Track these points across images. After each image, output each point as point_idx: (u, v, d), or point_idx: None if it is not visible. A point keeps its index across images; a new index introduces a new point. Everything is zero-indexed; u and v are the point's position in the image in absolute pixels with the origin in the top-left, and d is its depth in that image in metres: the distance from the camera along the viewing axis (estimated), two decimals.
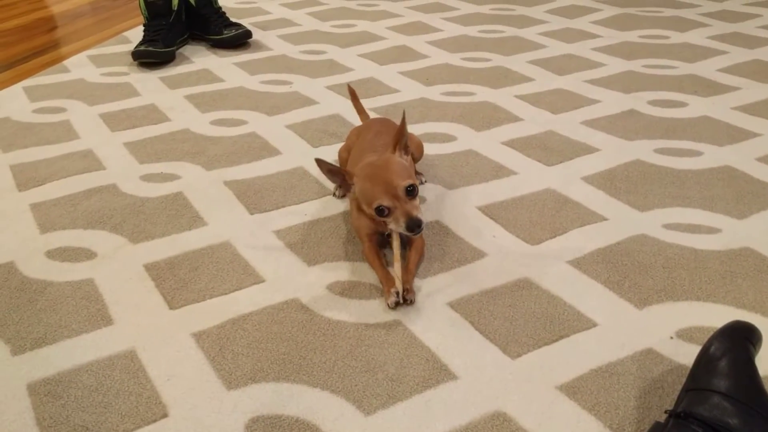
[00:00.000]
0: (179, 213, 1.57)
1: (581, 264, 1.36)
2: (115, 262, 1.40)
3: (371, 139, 1.55)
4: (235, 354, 1.15)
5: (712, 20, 2.89)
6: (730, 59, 2.44)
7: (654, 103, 2.10)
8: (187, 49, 2.72)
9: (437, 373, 1.10)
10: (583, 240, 1.43)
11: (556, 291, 1.28)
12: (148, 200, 1.63)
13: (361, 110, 1.79)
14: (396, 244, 1.30)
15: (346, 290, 1.30)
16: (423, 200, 1.58)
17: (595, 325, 1.20)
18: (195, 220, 1.54)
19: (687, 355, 1.10)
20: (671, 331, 1.17)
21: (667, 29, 2.79)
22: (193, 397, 1.06)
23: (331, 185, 1.67)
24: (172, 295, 1.30)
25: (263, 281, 1.33)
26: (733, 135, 1.87)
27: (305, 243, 1.45)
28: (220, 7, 2.81)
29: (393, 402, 1.05)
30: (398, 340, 1.17)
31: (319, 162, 1.29)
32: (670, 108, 2.06)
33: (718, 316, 1.20)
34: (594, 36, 2.75)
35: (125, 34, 2.94)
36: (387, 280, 1.29)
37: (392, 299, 1.24)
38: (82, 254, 1.43)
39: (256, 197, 1.63)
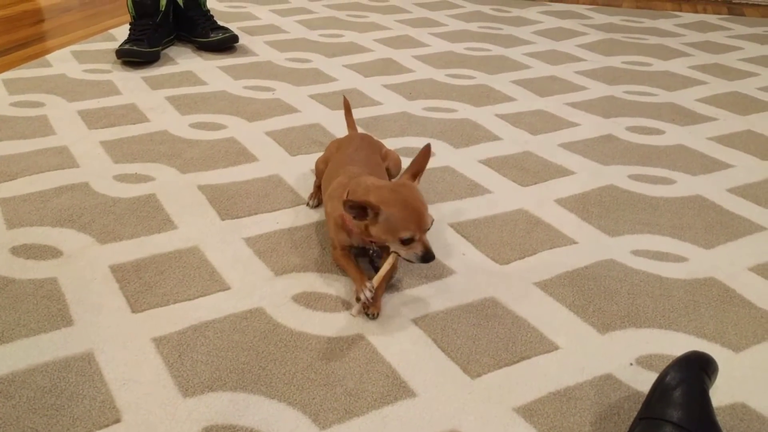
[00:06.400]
0: (150, 215, 1.56)
1: (548, 286, 1.36)
2: (81, 261, 1.39)
3: (351, 153, 1.55)
4: (194, 361, 1.14)
5: (695, 50, 2.93)
6: (709, 89, 2.47)
7: (632, 129, 2.12)
8: (173, 51, 2.71)
9: (396, 389, 1.10)
10: (552, 262, 1.44)
11: (521, 312, 1.29)
12: (119, 200, 1.61)
13: (351, 124, 1.78)
14: (385, 266, 1.29)
15: (311, 302, 1.30)
16: None
17: (556, 348, 1.20)
18: (165, 223, 1.53)
19: (645, 382, 1.11)
20: (631, 358, 1.18)
21: (650, 56, 2.82)
22: (148, 403, 1.05)
23: (305, 195, 1.67)
24: (135, 298, 1.29)
25: (228, 289, 1.32)
26: (707, 165, 1.90)
27: (275, 252, 1.45)
28: (208, 10, 2.81)
29: (349, 417, 1.05)
30: (359, 354, 1.17)
31: (344, 203, 1.24)
32: (647, 135, 2.08)
33: (678, 344, 1.21)
34: (578, 59, 2.77)
35: (111, 31, 2.93)
36: (360, 277, 1.30)
37: (357, 308, 1.23)
38: (48, 252, 1.41)
39: (228, 203, 1.62)
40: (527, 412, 1.06)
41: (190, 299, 1.29)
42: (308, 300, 1.30)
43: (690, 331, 1.25)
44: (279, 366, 1.14)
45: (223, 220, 1.56)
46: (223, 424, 1.02)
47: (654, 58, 2.81)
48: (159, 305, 1.27)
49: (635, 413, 1.04)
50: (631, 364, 1.16)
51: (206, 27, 2.74)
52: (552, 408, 1.07)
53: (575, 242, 1.52)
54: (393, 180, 1.35)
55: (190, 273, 1.36)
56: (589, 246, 1.51)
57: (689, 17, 3.46)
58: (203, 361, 1.14)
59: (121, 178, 1.72)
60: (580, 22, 3.33)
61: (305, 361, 1.15)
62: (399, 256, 1.27)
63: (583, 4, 3.68)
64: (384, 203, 1.25)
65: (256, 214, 1.59)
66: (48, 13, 3.25)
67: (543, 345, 1.21)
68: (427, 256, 1.25)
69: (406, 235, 1.23)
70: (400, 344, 1.20)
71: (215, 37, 2.71)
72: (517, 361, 1.17)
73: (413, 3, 3.56)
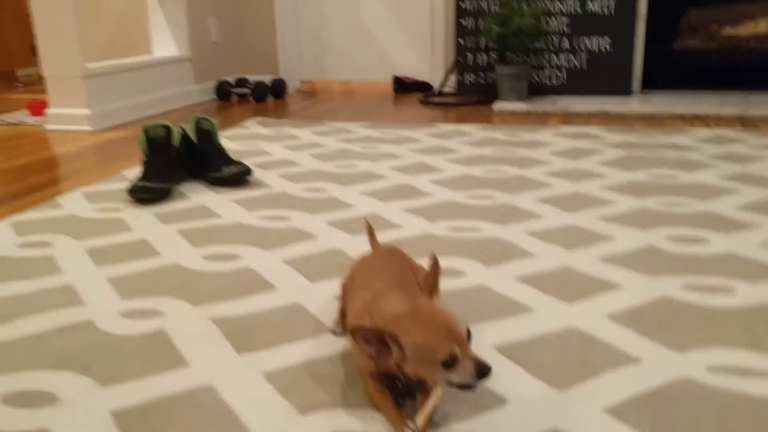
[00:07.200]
0: (159, 353, 1.40)
1: (620, 412, 1.17)
2: (79, 407, 1.21)
3: (377, 267, 1.43)
4: None
5: (719, 161, 2.85)
6: (745, 198, 2.35)
7: (673, 239, 1.98)
8: (185, 186, 2.65)
9: None
10: (619, 384, 1.25)
11: None
12: (125, 339, 1.46)
13: (375, 247, 1.66)
14: (431, 400, 1.11)
15: None
16: None
17: None
18: (175, 361, 1.36)
19: None
20: None
21: (674, 169, 2.74)
22: None
23: (329, 322, 1.51)
24: None
25: None
26: (765, 272, 1.74)
27: (299, 387, 1.27)
28: (221, 145, 2.78)
29: None
30: None
31: (354, 331, 1.12)
32: (692, 244, 1.94)
33: None
34: (600, 176, 2.69)
35: (124, 172, 2.89)
36: (399, 418, 1.12)
37: None
38: (42, 399, 1.24)
39: (245, 335, 1.46)
40: None
41: None
42: None
43: None
44: None
45: (240, 354, 1.39)
46: None
47: (678, 170, 2.73)
48: None
49: None
50: None
51: (219, 162, 2.69)
52: None
53: (639, 360, 1.34)
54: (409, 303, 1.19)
55: (203, 416, 1.18)
56: (657, 364, 1.32)
57: (704, 132, 3.43)
58: None
59: (129, 314, 1.58)
60: (595, 141, 3.30)
61: None
62: (450, 385, 1.09)
63: (595, 126, 3.68)
64: (404, 331, 1.09)
65: (276, 346, 1.42)
66: (63, 160, 3.25)
67: None
68: (484, 369, 1.08)
69: (445, 354, 1.07)
70: None
71: (229, 171, 2.65)
72: None
73: (424, 133, 3.56)
